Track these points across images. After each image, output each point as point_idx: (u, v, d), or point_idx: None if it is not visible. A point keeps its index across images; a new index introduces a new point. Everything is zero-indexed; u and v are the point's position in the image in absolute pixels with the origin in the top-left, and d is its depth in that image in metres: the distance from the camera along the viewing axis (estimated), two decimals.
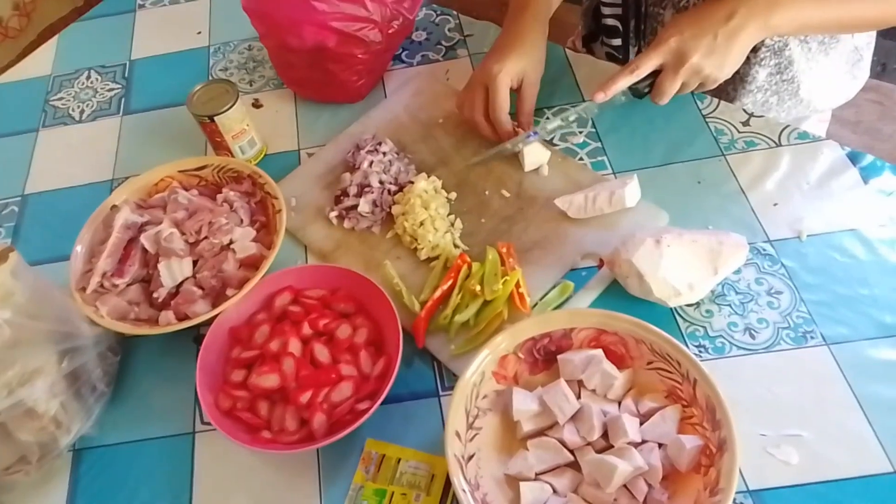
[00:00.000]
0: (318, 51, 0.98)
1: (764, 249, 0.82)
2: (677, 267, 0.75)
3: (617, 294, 0.81)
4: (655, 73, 0.85)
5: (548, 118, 0.98)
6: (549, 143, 0.95)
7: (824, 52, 1.01)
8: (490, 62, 0.91)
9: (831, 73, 1.04)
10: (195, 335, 0.84)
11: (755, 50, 0.97)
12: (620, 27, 1.07)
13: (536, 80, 0.94)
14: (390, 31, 1.02)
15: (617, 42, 1.09)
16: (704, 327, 0.78)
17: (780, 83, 1.03)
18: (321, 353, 0.76)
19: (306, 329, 0.78)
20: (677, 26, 0.82)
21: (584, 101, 1.00)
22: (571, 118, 0.93)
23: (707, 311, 0.79)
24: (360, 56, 1.00)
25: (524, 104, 0.93)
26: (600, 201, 0.83)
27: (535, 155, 0.91)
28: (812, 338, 0.75)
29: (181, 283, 0.83)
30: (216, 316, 0.79)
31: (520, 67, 0.91)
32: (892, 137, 1.86)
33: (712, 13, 0.81)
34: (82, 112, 1.14)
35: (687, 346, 0.75)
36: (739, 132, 0.93)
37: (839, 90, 1.08)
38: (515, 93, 0.93)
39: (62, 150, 1.09)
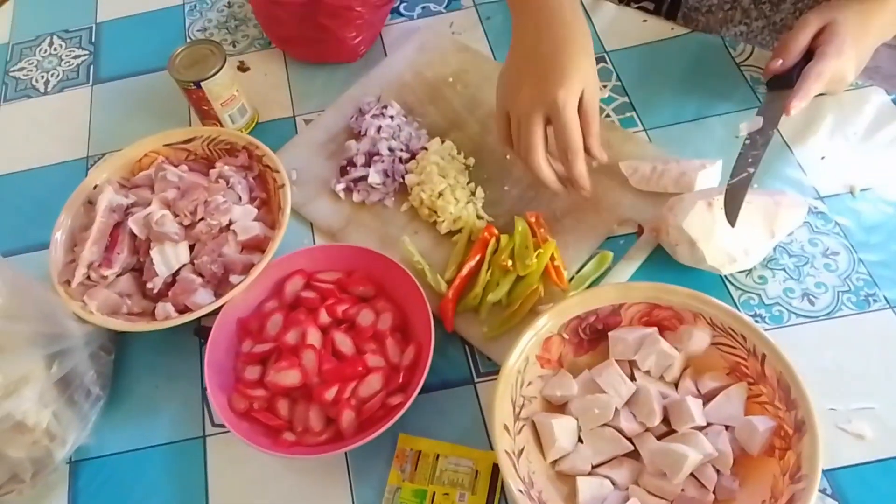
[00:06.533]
0: (311, 3, 0.88)
1: (815, 207, 0.76)
2: (732, 231, 0.68)
3: (660, 262, 0.74)
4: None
5: None
6: None
7: None
8: (550, 85, 0.68)
9: None
10: (196, 327, 0.76)
11: None
12: None
13: (598, 91, 0.72)
14: None
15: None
16: (759, 295, 0.72)
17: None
18: (343, 343, 0.68)
19: (324, 317, 0.70)
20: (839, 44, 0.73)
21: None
22: None
23: (760, 278, 0.72)
24: (357, 9, 0.90)
25: (592, 125, 0.71)
26: (666, 179, 0.75)
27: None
28: (875, 301, 0.70)
29: (177, 271, 0.75)
30: (221, 307, 0.71)
31: (582, 82, 0.69)
32: None
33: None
34: (47, 83, 1.03)
35: None
36: None
37: None
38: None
39: (28, 126, 0.99)
